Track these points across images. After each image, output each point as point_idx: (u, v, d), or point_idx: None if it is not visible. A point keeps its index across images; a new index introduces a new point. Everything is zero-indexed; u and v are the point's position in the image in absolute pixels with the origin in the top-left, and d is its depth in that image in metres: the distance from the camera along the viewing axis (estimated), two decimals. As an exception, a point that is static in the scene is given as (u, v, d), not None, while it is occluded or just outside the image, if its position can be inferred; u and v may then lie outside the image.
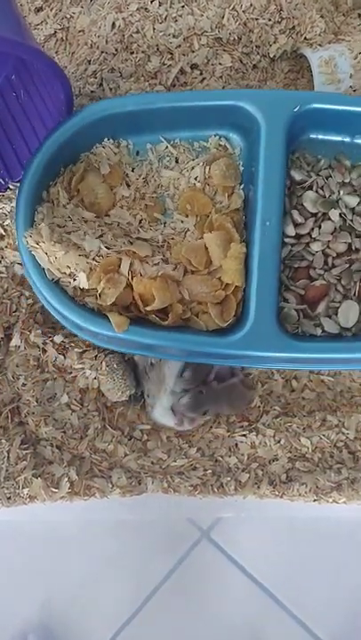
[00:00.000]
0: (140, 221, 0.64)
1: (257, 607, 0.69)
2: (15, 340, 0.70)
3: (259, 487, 0.67)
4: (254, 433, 0.70)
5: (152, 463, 0.69)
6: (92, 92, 0.73)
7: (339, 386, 0.73)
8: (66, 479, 0.66)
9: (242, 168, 0.67)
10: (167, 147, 0.67)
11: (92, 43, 0.75)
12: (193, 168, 0.67)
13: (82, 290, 0.58)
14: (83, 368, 0.71)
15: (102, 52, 0.75)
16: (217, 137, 0.68)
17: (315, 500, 0.68)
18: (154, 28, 0.74)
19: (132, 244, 0.60)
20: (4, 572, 0.70)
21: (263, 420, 0.72)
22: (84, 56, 0.75)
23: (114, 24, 0.74)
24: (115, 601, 0.69)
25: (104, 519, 0.69)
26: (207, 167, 0.66)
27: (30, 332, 0.71)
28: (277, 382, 0.74)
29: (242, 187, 0.66)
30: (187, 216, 0.65)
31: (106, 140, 0.66)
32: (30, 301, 0.72)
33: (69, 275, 0.57)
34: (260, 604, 0.69)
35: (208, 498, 0.69)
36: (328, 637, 0.69)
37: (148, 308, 0.57)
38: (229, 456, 0.69)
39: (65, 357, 0.71)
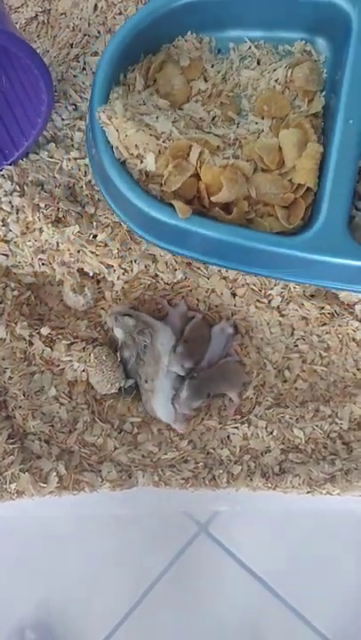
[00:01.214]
0: (214, 118, 0.63)
1: (256, 601, 0.69)
2: (0, 333, 0.69)
3: (251, 479, 0.67)
4: (246, 425, 0.69)
5: (142, 456, 0.69)
6: (74, 76, 0.71)
7: (332, 376, 0.72)
8: (54, 474, 0.65)
9: (325, 75, 0.65)
10: (250, 47, 0.65)
11: (74, 25, 0.73)
12: (275, 70, 0.65)
13: (147, 175, 0.57)
14: (71, 360, 0.70)
15: (85, 35, 0.73)
16: (303, 42, 0.66)
17: (308, 492, 0.67)
18: (137, 9, 0.72)
19: (204, 135, 0.59)
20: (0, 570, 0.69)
21: (255, 412, 0.71)
22: (67, 39, 0.73)
23: (96, 6, 0.72)
24: (113, 596, 0.68)
25: (97, 514, 0.68)
26: (290, 70, 0.64)
27: (16, 324, 0.69)
28: (270, 372, 0.73)
29: (323, 93, 0.64)
30: (262, 118, 0.63)
31: (189, 33, 0.65)
32: (16, 293, 0.71)
33: (137, 156, 0.56)
34: (259, 598, 0.69)
35: (200, 491, 0.68)
36: (328, 630, 0.69)
37: (213, 199, 0.55)
38: (221, 448, 0.69)
39: (52, 350, 0.70)
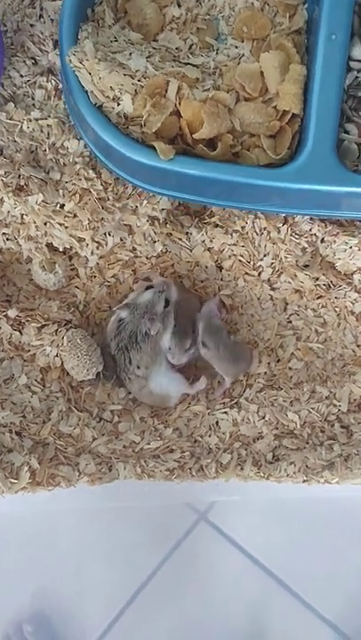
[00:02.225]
0: (191, 46, 0.61)
1: (258, 587, 0.69)
2: None
3: (242, 469, 0.64)
4: (236, 409, 0.66)
5: (124, 447, 0.65)
6: (31, 25, 0.64)
7: (329, 353, 0.69)
8: (26, 468, 0.62)
9: None
10: None
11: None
12: (252, -16, 0.61)
13: (126, 118, 0.56)
14: (42, 345, 0.66)
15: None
16: None
17: (304, 481, 0.63)
18: None
19: (181, 68, 0.58)
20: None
21: (246, 395, 0.67)
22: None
23: None
24: (113, 586, 0.69)
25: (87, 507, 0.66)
26: None
27: (-20, 307, 0.66)
28: (262, 352, 0.69)
29: (305, 6, 0.61)
30: (242, 40, 0.61)
31: None
32: (-21, 273, 0.67)
33: (113, 98, 0.56)
34: (261, 584, 0.69)
35: (187, 482, 0.64)
36: (331, 613, 0.69)
37: (195, 136, 0.55)
38: (209, 435, 0.66)
39: (21, 334, 0.66)
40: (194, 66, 0.59)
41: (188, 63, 0.59)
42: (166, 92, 0.55)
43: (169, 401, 0.67)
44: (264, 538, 0.69)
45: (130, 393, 0.68)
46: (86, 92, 0.57)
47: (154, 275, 0.67)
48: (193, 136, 0.55)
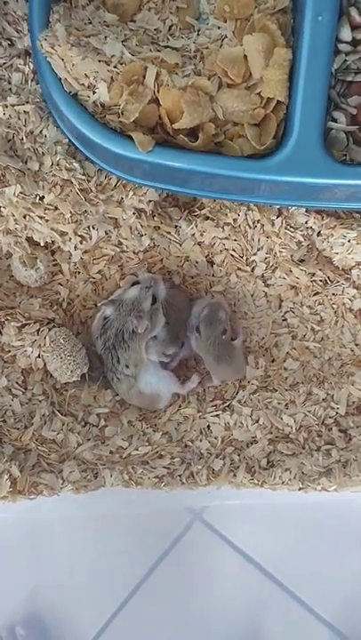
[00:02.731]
0: (170, 27, 0.59)
1: (254, 587, 0.69)
2: None
3: (235, 475, 0.62)
4: (229, 412, 0.64)
5: (110, 452, 0.63)
6: (5, 2, 0.60)
7: (326, 353, 0.67)
8: (6, 476, 0.59)
9: None
10: None
11: None
12: None
13: (103, 106, 0.55)
14: (23, 345, 0.63)
15: None
16: None
17: (300, 489, 0.61)
18: None
19: (159, 52, 0.56)
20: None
21: (239, 397, 0.65)
22: None
23: None
24: (108, 587, 0.69)
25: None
26: None
27: None
28: (256, 351, 0.67)
29: None
30: (225, 20, 0.58)
31: None
32: None
33: (88, 86, 0.54)
34: (257, 584, 0.69)
35: (176, 491, 0.61)
36: (327, 613, 0.69)
37: (175, 126, 0.53)
38: (200, 440, 0.64)
39: (1, 334, 0.63)
40: (173, 49, 0.57)
41: (168, 46, 0.57)
42: (144, 78, 0.53)
43: (159, 402, 0.65)
44: (260, 538, 0.69)
45: (117, 395, 0.66)
46: (60, 79, 0.55)
47: (141, 271, 0.64)
48: (173, 126, 0.53)
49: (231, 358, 0.63)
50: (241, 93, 0.54)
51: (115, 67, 0.53)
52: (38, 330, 0.62)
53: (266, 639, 0.69)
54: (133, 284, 0.62)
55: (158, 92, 0.53)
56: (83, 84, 0.54)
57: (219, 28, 0.57)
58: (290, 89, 0.54)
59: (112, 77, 0.53)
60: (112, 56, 0.53)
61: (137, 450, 0.63)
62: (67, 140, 0.59)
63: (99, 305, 0.64)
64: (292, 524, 0.68)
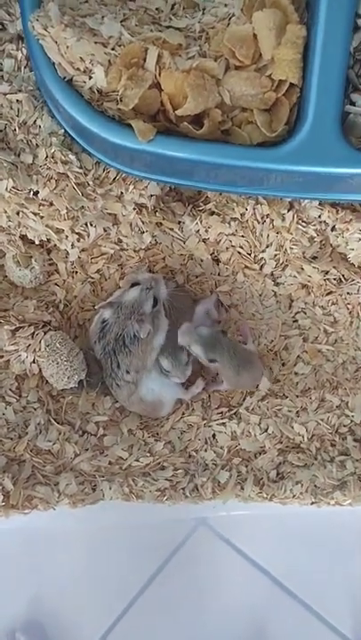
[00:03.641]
0: (173, 6, 0.56)
1: (259, 592, 0.69)
2: None
3: (242, 488, 0.60)
4: (235, 420, 0.62)
5: (110, 463, 0.61)
6: None
7: (340, 356, 0.65)
8: None
9: None
10: None
11: None
12: None
13: (100, 93, 0.52)
14: (17, 350, 0.61)
15: None
16: None
17: (313, 503, 0.59)
18: None
19: (161, 32, 0.53)
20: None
21: (246, 404, 0.63)
22: None
23: None
24: (111, 591, 0.68)
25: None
26: None
27: None
28: (264, 355, 0.64)
29: None
30: None
31: None
32: None
33: (84, 71, 0.51)
34: (262, 589, 0.69)
35: (180, 505, 0.58)
36: (333, 617, 0.68)
37: (178, 112, 0.51)
38: (205, 450, 0.62)
39: None
40: (176, 29, 0.54)
41: (170, 26, 0.54)
42: (144, 61, 0.51)
43: (161, 409, 0.62)
44: (266, 544, 0.68)
45: (117, 402, 0.63)
46: (54, 64, 0.52)
47: (141, 270, 0.61)
48: (176, 112, 0.51)
49: (251, 365, 0.61)
50: (250, 76, 0.51)
51: (112, 49, 0.50)
52: (33, 333, 0.60)
53: None
54: (133, 286, 0.59)
55: (160, 75, 0.50)
56: (78, 69, 0.51)
57: (226, 5, 0.54)
58: (304, 70, 0.52)
59: (110, 61, 0.50)
60: (110, 37, 0.50)
61: (138, 461, 0.60)
62: (62, 130, 0.56)
63: (97, 307, 0.61)
64: (299, 531, 0.67)
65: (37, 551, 0.69)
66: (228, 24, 0.53)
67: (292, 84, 0.52)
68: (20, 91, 0.56)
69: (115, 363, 0.60)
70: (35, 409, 0.61)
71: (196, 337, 0.58)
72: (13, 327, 0.60)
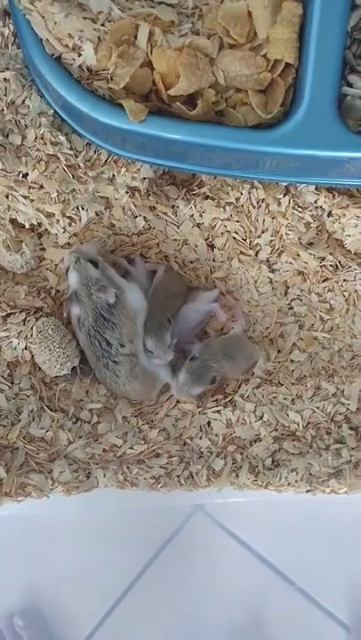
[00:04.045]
0: None
1: (255, 577, 0.70)
2: None
3: (237, 476, 0.59)
4: (230, 408, 0.61)
5: (103, 451, 0.60)
6: None
7: (336, 344, 0.64)
8: None
9: None
10: None
11: None
12: None
13: (90, 71, 0.51)
14: (8, 336, 0.60)
15: None
16: None
17: (308, 491, 0.59)
18: None
19: (153, 8, 0.52)
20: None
21: (241, 392, 0.62)
22: None
23: None
24: (108, 578, 0.70)
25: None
26: None
27: None
28: (260, 342, 0.64)
29: None
30: None
31: None
32: None
33: (73, 48, 0.50)
34: (258, 574, 0.70)
35: (175, 492, 0.58)
36: (330, 604, 0.70)
37: (171, 92, 0.50)
38: (200, 438, 0.61)
39: None
40: (168, 5, 0.52)
41: (162, 2, 0.52)
42: (135, 38, 0.49)
43: (157, 382, 0.61)
44: (262, 529, 0.69)
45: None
46: (41, 40, 0.50)
47: (70, 256, 0.60)
48: (168, 92, 0.49)
49: (242, 348, 0.61)
50: (245, 55, 0.50)
51: (102, 25, 0.48)
52: (25, 319, 0.59)
53: (268, 629, 0.70)
54: (67, 272, 0.59)
55: (151, 53, 0.49)
56: (66, 46, 0.49)
57: (220, -21, 0.52)
58: (300, 49, 0.50)
59: (99, 37, 0.48)
60: (99, 12, 0.48)
61: (132, 448, 0.59)
62: (52, 110, 0.55)
63: (64, 313, 0.61)
64: (295, 518, 0.68)
65: (34, 538, 0.70)
66: (223, 1, 0.51)
67: (287, 65, 0.50)
68: (7, 69, 0.54)
69: (103, 342, 0.58)
70: (27, 396, 0.60)
71: (183, 382, 0.59)
72: (4, 313, 0.59)
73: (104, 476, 0.58)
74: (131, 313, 0.59)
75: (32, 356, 0.60)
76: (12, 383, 0.60)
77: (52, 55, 0.50)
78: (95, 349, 0.59)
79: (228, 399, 0.61)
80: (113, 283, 0.58)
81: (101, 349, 0.59)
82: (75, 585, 0.70)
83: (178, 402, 0.62)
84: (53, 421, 0.60)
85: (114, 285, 0.58)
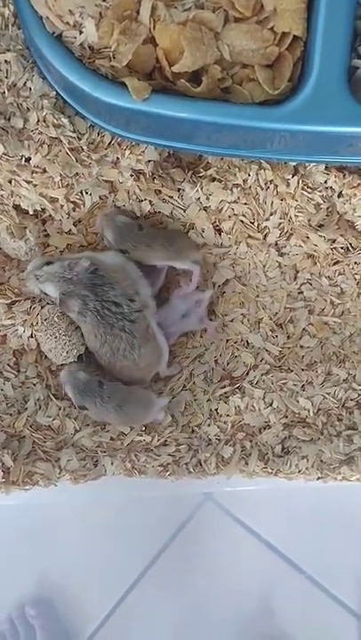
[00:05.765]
0: None
1: (265, 565, 0.71)
2: None
3: (247, 463, 0.58)
4: (239, 395, 0.61)
5: (111, 439, 0.60)
6: None
7: (348, 328, 0.63)
8: None
9: None
10: None
11: None
12: None
13: (92, 49, 0.50)
14: (13, 324, 0.59)
15: None
16: None
17: (319, 478, 0.58)
18: None
19: None
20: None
21: (250, 378, 0.61)
22: None
23: None
24: (119, 566, 0.70)
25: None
26: None
27: None
28: (267, 325, 0.62)
29: None
30: None
31: None
32: None
33: (74, 25, 0.49)
34: (268, 563, 0.70)
35: (182, 480, 0.57)
36: (340, 592, 0.70)
37: (175, 69, 0.49)
38: (209, 425, 0.60)
39: None
40: None
41: None
42: (138, 14, 0.47)
43: (162, 355, 0.60)
44: (272, 517, 0.70)
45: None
46: (41, 18, 0.49)
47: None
48: (172, 69, 0.48)
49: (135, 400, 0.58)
50: (251, 29, 0.48)
51: (103, 0, 0.47)
52: (30, 307, 0.58)
53: (278, 617, 0.70)
54: (46, 282, 0.57)
55: (154, 29, 0.47)
56: (67, 23, 0.48)
57: None
58: (308, 21, 0.48)
59: (101, 13, 0.47)
60: (100, -12, 0.47)
61: (140, 436, 0.59)
62: (54, 92, 0.53)
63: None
64: (305, 506, 0.68)
65: (43, 528, 0.70)
66: (228, -30, 0.49)
67: (295, 37, 0.49)
68: (8, 50, 0.53)
69: (112, 305, 0.56)
70: (34, 384, 0.59)
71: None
72: (9, 301, 0.58)
73: (112, 464, 0.58)
74: (117, 267, 0.57)
75: (38, 344, 0.59)
76: (19, 372, 0.60)
77: (53, 34, 0.49)
78: (108, 318, 0.57)
79: (236, 386, 0.60)
80: (76, 262, 0.57)
81: (113, 314, 0.57)
82: (85, 575, 0.70)
83: (184, 387, 0.61)
84: (60, 410, 0.59)
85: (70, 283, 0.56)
